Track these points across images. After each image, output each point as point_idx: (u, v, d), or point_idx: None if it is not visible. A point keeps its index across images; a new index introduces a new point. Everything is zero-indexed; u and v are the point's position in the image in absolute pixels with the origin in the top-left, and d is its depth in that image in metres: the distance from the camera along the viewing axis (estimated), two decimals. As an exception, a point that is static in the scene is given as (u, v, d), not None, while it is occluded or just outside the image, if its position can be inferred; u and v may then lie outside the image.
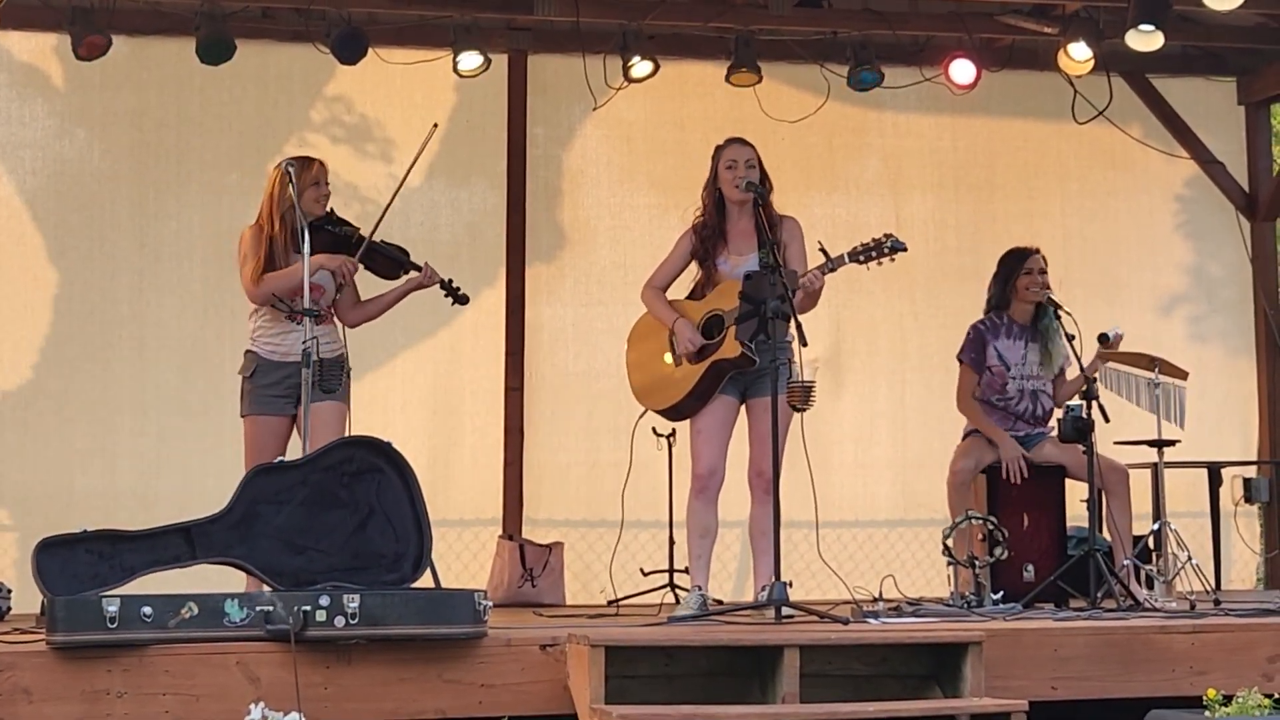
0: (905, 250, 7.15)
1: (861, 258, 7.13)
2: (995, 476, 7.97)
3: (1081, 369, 7.73)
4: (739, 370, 7.12)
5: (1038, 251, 8.19)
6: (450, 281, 7.46)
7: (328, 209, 7.30)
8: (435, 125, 7.55)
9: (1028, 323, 8.15)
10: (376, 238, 7.31)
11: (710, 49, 9.83)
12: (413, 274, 7.38)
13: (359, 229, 7.34)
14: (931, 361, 9.84)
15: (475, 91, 9.66)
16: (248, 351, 7.26)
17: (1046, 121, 10.31)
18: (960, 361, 8.19)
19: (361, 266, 7.27)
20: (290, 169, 7.08)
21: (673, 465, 8.52)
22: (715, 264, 7.31)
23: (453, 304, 7.54)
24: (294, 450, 7.23)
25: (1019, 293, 8.12)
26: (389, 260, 7.40)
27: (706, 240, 7.33)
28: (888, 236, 7.15)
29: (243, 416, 7.26)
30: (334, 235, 7.26)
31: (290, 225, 7.14)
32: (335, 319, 7.37)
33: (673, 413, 7.42)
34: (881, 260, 7.15)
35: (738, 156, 7.29)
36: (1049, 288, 8.07)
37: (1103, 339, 7.85)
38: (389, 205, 7.33)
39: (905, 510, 10.00)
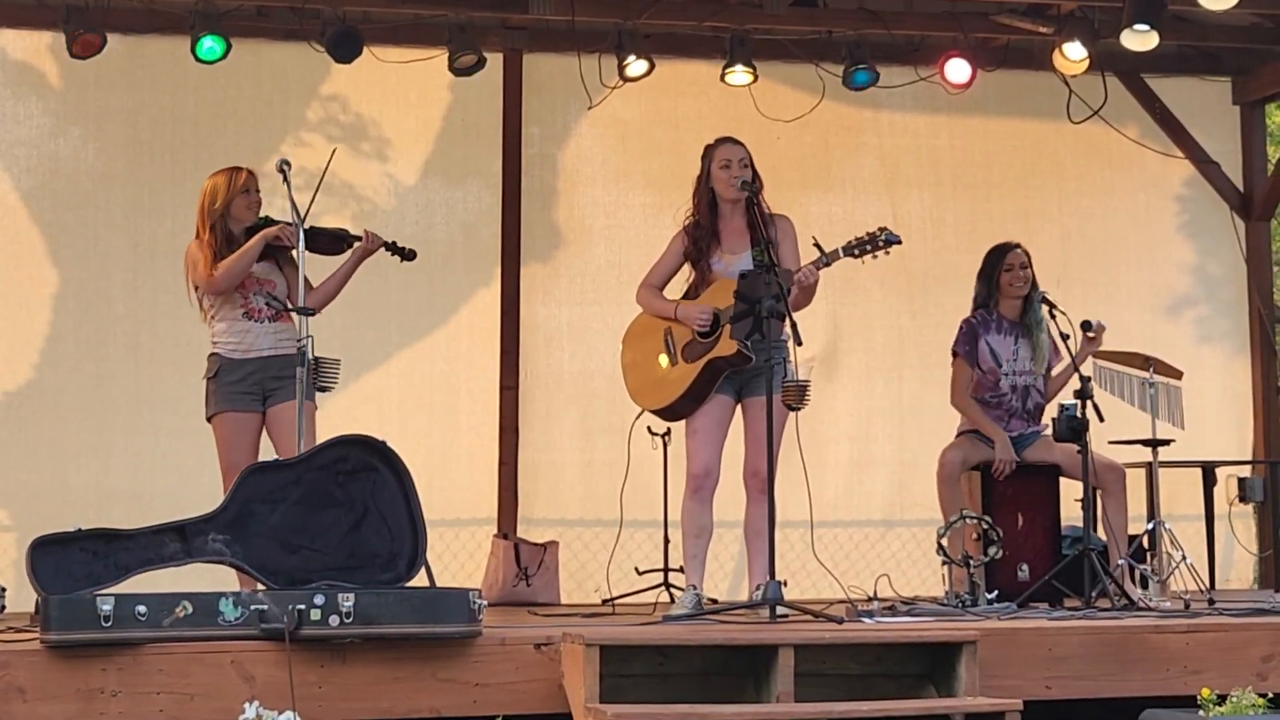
0: (899, 243, 7.15)
1: (856, 251, 7.13)
2: (989, 475, 7.97)
3: (1073, 360, 7.73)
4: (735, 369, 7.11)
5: (1018, 246, 8.21)
6: (394, 242, 7.50)
7: (260, 215, 7.35)
8: (335, 149, 7.63)
9: (1016, 318, 8.16)
10: (309, 225, 7.33)
11: (705, 48, 9.83)
12: (356, 244, 7.41)
13: (288, 221, 7.37)
14: (928, 360, 9.83)
15: (470, 91, 9.66)
16: (211, 354, 7.31)
17: (1042, 121, 10.31)
18: (955, 355, 8.20)
19: (298, 235, 7.17)
20: (285, 167, 7.10)
21: (668, 465, 8.52)
22: (709, 263, 7.29)
23: (401, 261, 7.56)
24: (265, 451, 7.24)
25: (1002, 289, 8.15)
26: (329, 237, 7.45)
27: (699, 240, 7.31)
28: (882, 230, 7.15)
29: (210, 419, 7.27)
30: (259, 230, 7.30)
31: (221, 232, 7.25)
32: (293, 315, 7.37)
33: (668, 412, 7.41)
34: (876, 253, 7.14)
35: (731, 156, 7.28)
36: (1031, 281, 8.09)
37: (1085, 326, 7.84)
38: (314, 196, 7.31)
39: (900, 510, 10.01)
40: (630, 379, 7.45)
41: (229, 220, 7.29)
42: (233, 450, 7.11)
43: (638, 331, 7.48)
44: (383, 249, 7.44)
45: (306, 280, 7.33)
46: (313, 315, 7.06)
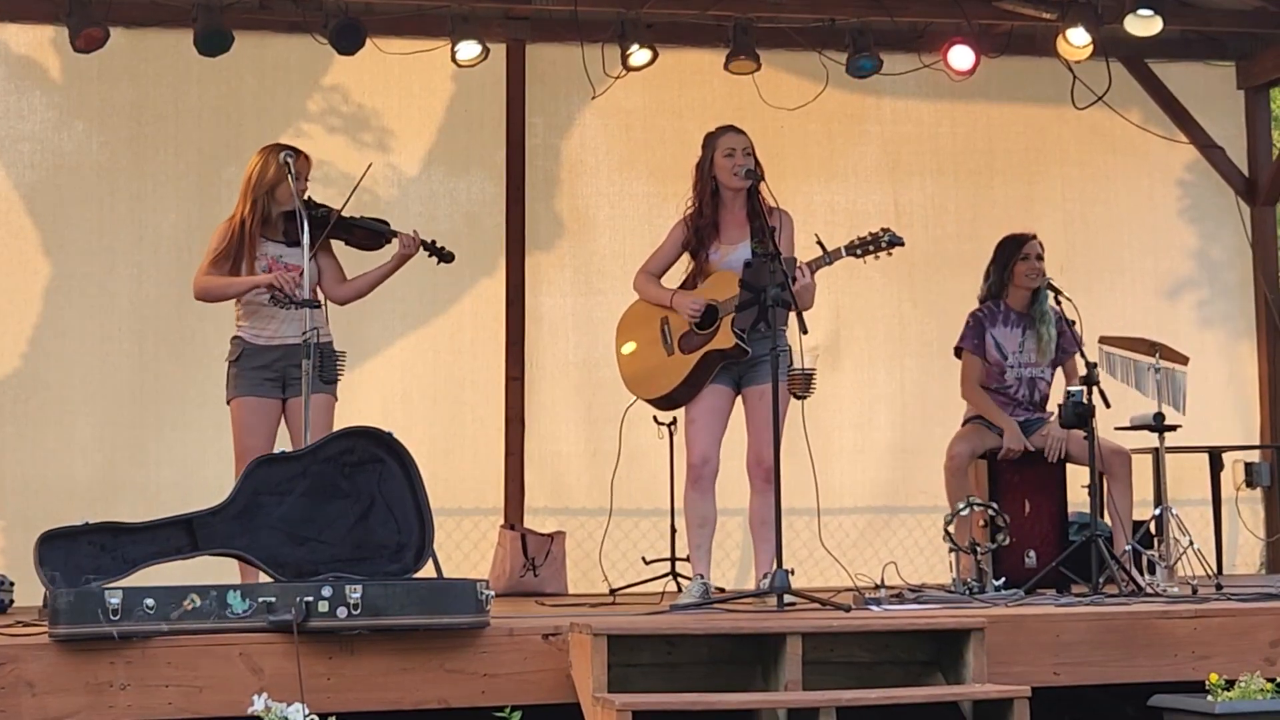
0: (902, 244, 7.17)
1: (859, 251, 7.13)
2: (996, 462, 7.97)
3: (1084, 356, 7.71)
4: (732, 360, 7.11)
5: (1034, 237, 8.19)
6: (433, 242, 7.46)
7: (304, 199, 7.32)
8: (370, 164, 7.70)
9: (1024, 310, 8.14)
10: (350, 214, 7.31)
11: (708, 37, 9.81)
12: (395, 243, 7.37)
13: (332, 208, 7.34)
14: (931, 348, 9.84)
15: (473, 81, 9.66)
16: (235, 338, 7.28)
17: (1045, 107, 10.30)
18: (962, 351, 8.18)
19: (304, 227, 7.12)
20: (290, 159, 7.08)
21: (674, 453, 8.52)
22: (706, 254, 7.28)
23: (438, 263, 7.53)
24: (281, 441, 7.24)
25: (1016, 279, 8.12)
26: (368, 232, 7.43)
27: (699, 230, 7.30)
28: (885, 231, 7.15)
29: (229, 401, 7.26)
30: (309, 217, 7.26)
31: (261, 210, 7.18)
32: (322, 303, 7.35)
33: (665, 402, 7.42)
34: (878, 254, 7.15)
35: (736, 145, 7.27)
36: (1045, 274, 8.08)
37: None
38: (355, 188, 7.30)
39: (906, 497, 10.00)
40: (625, 368, 7.45)
41: (272, 201, 7.20)
42: (249, 435, 7.07)
43: (632, 321, 7.48)
44: (423, 251, 7.40)
45: (341, 271, 7.35)
46: (317, 308, 7.03)
